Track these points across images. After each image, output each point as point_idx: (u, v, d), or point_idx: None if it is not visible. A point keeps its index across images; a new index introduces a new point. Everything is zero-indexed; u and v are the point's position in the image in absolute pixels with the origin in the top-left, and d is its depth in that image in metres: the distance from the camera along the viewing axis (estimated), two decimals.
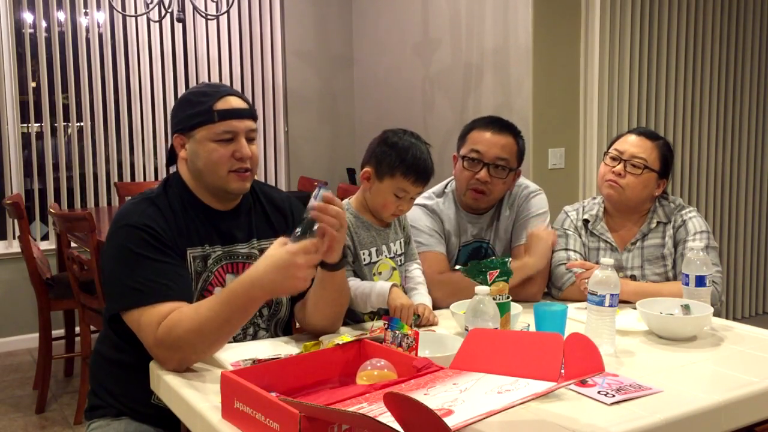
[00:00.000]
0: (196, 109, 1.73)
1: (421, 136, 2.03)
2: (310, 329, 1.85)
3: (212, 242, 1.78)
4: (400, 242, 2.07)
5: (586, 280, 1.81)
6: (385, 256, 2.03)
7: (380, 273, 2.01)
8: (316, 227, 1.55)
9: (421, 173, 1.94)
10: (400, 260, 2.07)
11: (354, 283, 1.94)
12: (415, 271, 2.10)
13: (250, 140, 1.77)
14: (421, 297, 2.02)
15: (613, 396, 1.40)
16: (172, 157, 1.83)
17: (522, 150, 2.25)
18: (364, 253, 1.98)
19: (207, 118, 1.72)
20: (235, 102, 1.75)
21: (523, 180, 2.34)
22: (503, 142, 2.20)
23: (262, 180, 5.04)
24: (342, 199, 2.08)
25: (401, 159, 1.92)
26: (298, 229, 1.54)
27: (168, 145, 4.79)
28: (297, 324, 2.12)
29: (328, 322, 1.82)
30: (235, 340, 1.78)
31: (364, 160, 2.01)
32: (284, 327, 1.92)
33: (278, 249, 1.53)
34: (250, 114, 1.77)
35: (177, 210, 1.76)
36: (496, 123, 2.24)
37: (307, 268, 1.53)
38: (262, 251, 1.78)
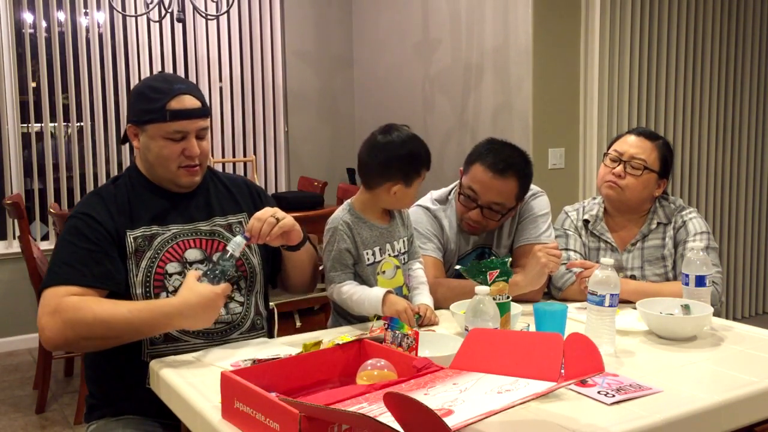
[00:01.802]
0: (149, 106, 1.79)
1: (417, 134, 2.01)
2: (293, 291, 2.08)
3: (165, 222, 1.83)
4: (404, 240, 2.07)
5: (587, 280, 1.81)
6: (389, 254, 2.02)
7: (384, 272, 2.00)
8: (230, 272, 1.74)
9: (425, 161, 1.96)
10: (404, 258, 2.07)
11: (348, 289, 1.93)
12: (418, 270, 2.09)
13: (201, 138, 1.84)
14: (423, 297, 2.02)
15: (613, 396, 1.40)
16: (124, 139, 1.91)
17: (525, 186, 2.18)
18: (367, 253, 1.98)
19: (159, 116, 1.78)
20: (188, 102, 1.80)
21: None
22: (501, 188, 2.13)
23: (263, 180, 5.05)
24: (342, 200, 2.08)
25: (412, 163, 1.94)
26: (216, 271, 1.70)
27: None
28: (297, 324, 2.12)
29: (306, 285, 2.06)
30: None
31: (378, 172, 1.95)
32: (264, 298, 1.96)
33: (205, 289, 1.66)
34: (202, 113, 1.83)
35: (123, 195, 1.83)
36: (500, 164, 2.13)
37: (222, 307, 1.72)
38: (229, 226, 1.90)
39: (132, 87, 4.63)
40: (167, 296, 1.76)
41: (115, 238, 1.77)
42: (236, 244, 1.74)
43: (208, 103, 1.89)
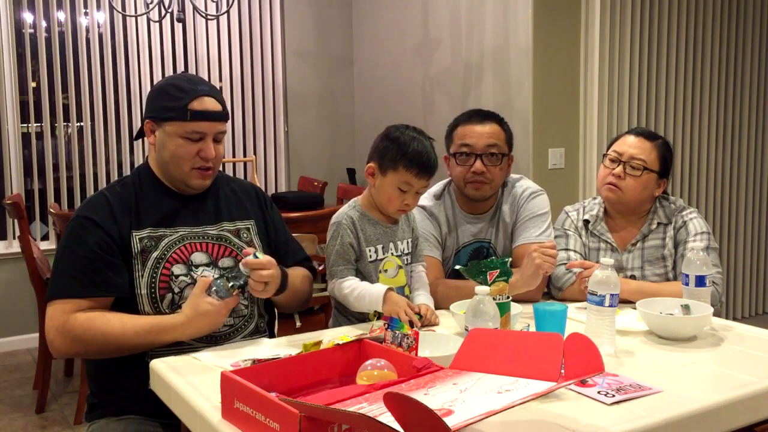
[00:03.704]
0: (171, 103, 1.79)
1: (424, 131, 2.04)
2: (280, 311, 2.09)
3: (173, 224, 1.83)
4: (408, 241, 2.07)
5: (587, 280, 1.81)
6: (392, 253, 2.02)
7: (386, 270, 2.00)
8: (238, 285, 1.73)
9: (423, 165, 1.94)
10: (407, 259, 2.07)
11: (351, 284, 1.94)
12: (420, 273, 2.10)
13: (218, 141, 1.85)
14: (423, 298, 2.02)
15: (613, 396, 1.40)
16: (139, 134, 1.91)
17: (509, 135, 2.28)
18: (370, 250, 1.98)
19: (180, 115, 1.78)
20: (209, 104, 1.81)
21: (524, 181, 2.34)
22: (491, 130, 2.23)
23: (263, 180, 5.05)
24: (342, 200, 2.09)
25: (403, 152, 1.93)
26: (224, 288, 1.71)
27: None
28: (297, 324, 2.13)
29: (291, 310, 2.09)
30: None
31: (368, 156, 2.02)
32: (264, 302, 1.96)
33: (208, 307, 1.69)
34: (222, 117, 1.84)
35: (130, 195, 1.83)
36: (478, 114, 2.28)
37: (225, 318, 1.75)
38: (237, 231, 1.90)
39: (133, 87, 4.64)
40: (172, 297, 1.77)
41: (117, 240, 1.76)
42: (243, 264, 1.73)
43: None
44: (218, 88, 4.90)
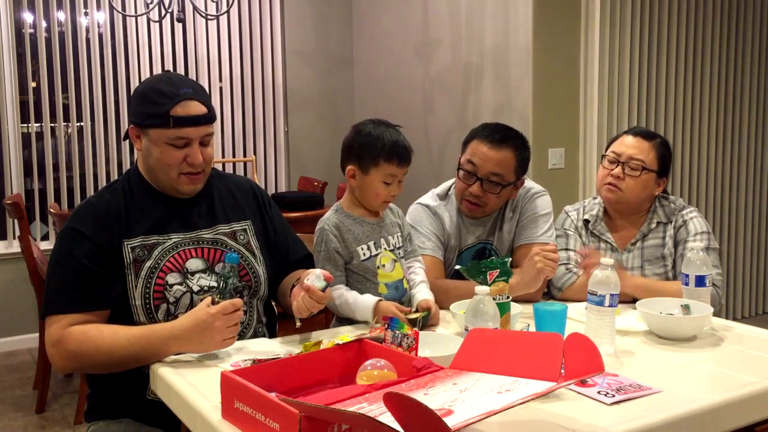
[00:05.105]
0: (153, 110, 1.73)
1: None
2: (280, 304, 2.00)
3: (165, 230, 1.79)
4: (398, 236, 2.07)
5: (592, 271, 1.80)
6: (385, 248, 2.02)
7: (383, 265, 2.00)
8: (231, 286, 1.67)
9: (401, 154, 1.94)
10: (400, 253, 2.07)
11: (339, 294, 1.93)
12: (419, 269, 2.09)
13: (205, 144, 1.79)
14: (424, 294, 2.01)
15: (613, 396, 1.40)
16: (126, 136, 1.86)
17: (523, 162, 2.21)
18: (362, 249, 1.97)
19: (162, 122, 1.72)
20: (193, 108, 1.74)
21: (527, 182, 2.32)
22: (500, 157, 2.16)
23: (263, 180, 5.05)
24: (340, 200, 2.09)
25: (380, 147, 1.93)
26: (218, 293, 1.67)
27: None
28: (297, 324, 2.12)
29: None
30: None
31: (342, 159, 2.01)
32: (264, 304, 1.94)
33: (201, 310, 1.62)
34: (207, 120, 1.78)
35: (119, 203, 1.78)
36: (497, 134, 2.19)
37: (225, 328, 1.61)
38: (233, 234, 1.86)
39: (133, 87, 4.63)
40: (168, 307, 1.74)
41: (107, 250, 1.72)
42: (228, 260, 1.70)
43: None
44: (218, 88, 4.92)
